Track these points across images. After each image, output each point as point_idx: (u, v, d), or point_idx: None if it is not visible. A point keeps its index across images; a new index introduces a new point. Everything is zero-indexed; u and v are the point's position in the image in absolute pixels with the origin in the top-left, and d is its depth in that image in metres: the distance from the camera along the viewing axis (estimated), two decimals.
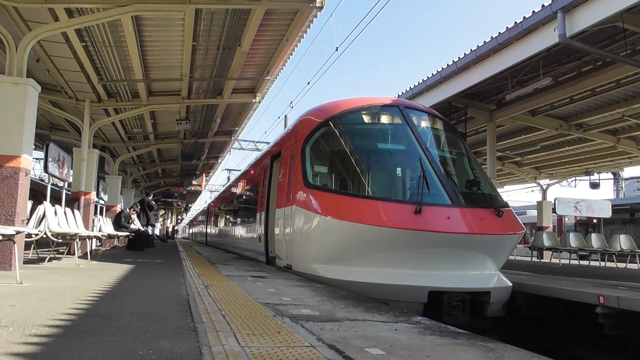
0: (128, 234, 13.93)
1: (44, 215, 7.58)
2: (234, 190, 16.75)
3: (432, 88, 11.68)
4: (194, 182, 27.34)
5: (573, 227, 23.60)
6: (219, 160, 24.02)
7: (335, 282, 6.00)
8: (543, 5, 8.16)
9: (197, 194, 39.85)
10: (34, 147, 8.36)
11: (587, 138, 14.74)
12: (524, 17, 8.56)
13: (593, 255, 16.17)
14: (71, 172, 11.46)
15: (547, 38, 8.30)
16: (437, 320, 3.96)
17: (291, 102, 24.34)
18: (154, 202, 16.95)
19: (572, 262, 16.17)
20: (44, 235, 7.29)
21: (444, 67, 11.00)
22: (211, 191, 41.47)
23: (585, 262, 16.16)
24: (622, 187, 37.48)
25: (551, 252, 15.20)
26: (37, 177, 25.49)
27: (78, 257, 8.72)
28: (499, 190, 9.34)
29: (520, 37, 8.82)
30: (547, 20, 8.15)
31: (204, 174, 28.08)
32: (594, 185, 22.64)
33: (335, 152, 7.44)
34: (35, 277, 5.84)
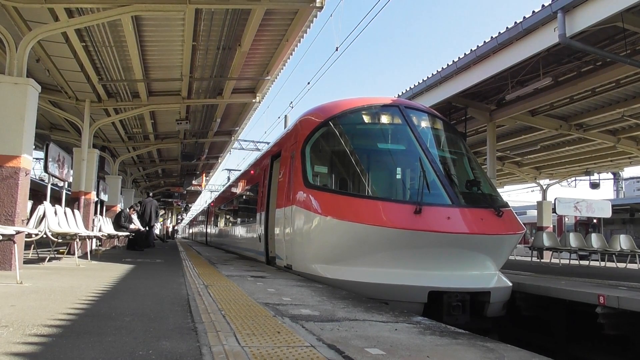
0: (128, 234, 13.93)
1: (44, 215, 7.57)
2: (234, 190, 16.75)
3: (432, 88, 11.68)
4: (194, 182, 27.37)
5: (573, 227, 23.59)
6: (219, 160, 24.02)
7: (335, 282, 6.00)
8: (543, 5, 8.16)
9: (197, 194, 39.86)
10: (34, 147, 8.36)
11: (587, 138, 14.74)
12: (524, 17, 8.56)
13: (593, 255, 16.17)
14: (71, 172, 11.44)
15: (547, 38, 8.30)
16: (437, 320, 3.96)
17: (291, 102, 24.39)
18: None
19: (572, 262, 16.16)
20: (44, 235, 7.29)
21: (444, 67, 11.00)
22: (211, 191, 41.49)
23: (585, 262, 16.16)
24: (622, 187, 37.44)
25: (551, 252, 15.20)
26: (37, 177, 25.48)
27: (78, 257, 8.72)
28: (499, 190, 9.33)
29: (520, 37, 8.83)
30: (547, 20, 8.16)
31: (204, 174, 28.08)
32: (594, 185, 22.63)
33: (335, 152, 7.43)
34: (35, 277, 5.84)
